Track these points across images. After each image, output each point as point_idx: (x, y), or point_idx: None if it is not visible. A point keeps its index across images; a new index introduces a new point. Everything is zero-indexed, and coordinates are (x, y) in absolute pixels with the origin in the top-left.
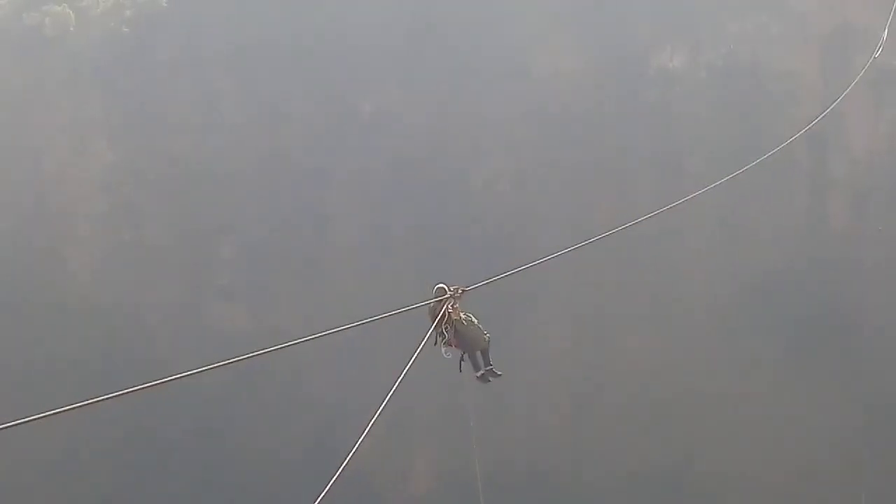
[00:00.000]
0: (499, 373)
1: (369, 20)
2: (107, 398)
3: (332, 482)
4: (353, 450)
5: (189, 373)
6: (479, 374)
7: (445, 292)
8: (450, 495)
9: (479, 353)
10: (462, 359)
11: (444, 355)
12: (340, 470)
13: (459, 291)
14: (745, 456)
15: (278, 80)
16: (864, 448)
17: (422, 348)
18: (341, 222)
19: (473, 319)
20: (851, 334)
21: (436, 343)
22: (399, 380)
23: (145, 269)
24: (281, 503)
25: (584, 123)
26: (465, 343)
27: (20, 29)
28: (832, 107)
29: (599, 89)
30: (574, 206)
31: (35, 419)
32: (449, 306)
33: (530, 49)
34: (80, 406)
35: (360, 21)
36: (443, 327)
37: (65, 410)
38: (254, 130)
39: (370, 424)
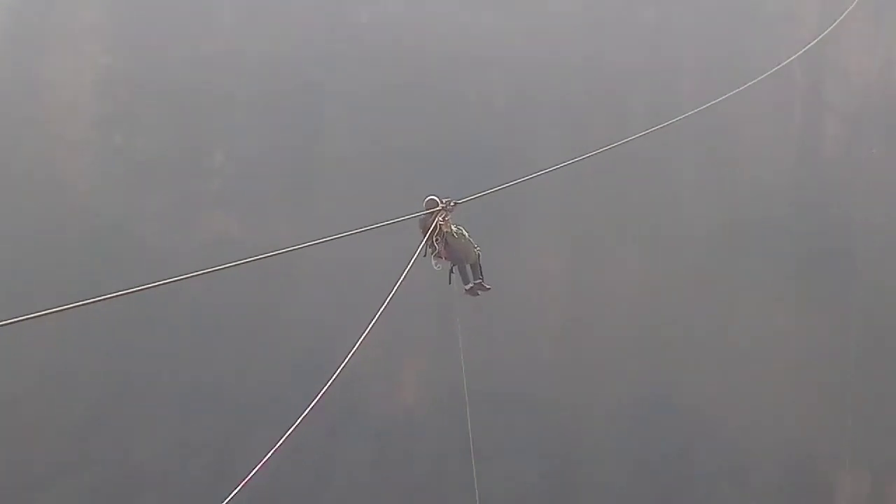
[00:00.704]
0: (488, 286)
1: None
2: (97, 300)
3: (322, 391)
4: (346, 360)
5: (179, 278)
6: (468, 286)
7: (437, 204)
8: (438, 409)
9: (468, 267)
10: (452, 271)
11: (434, 267)
12: (332, 380)
13: (451, 204)
14: (737, 379)
15: None
16: (854, 372)
17: (414, 261)
18: (336, 133)
19: (464, 232)
20: (845, 258)
21: (425, 255)
22: (392, 292)
23: (137, 175)
24: (271, 413)
25: (580, 41)
26: (456, 256)
27: None
28: (829, 29)
29: (595, 7)
30: (568, 124)
31: (22, 320)
32: (440, 218)
33: None
34: (69, 308)
35: None
36: (433, 240)
37: (54, 312)
38: (250, 39)
39: (363, 336)
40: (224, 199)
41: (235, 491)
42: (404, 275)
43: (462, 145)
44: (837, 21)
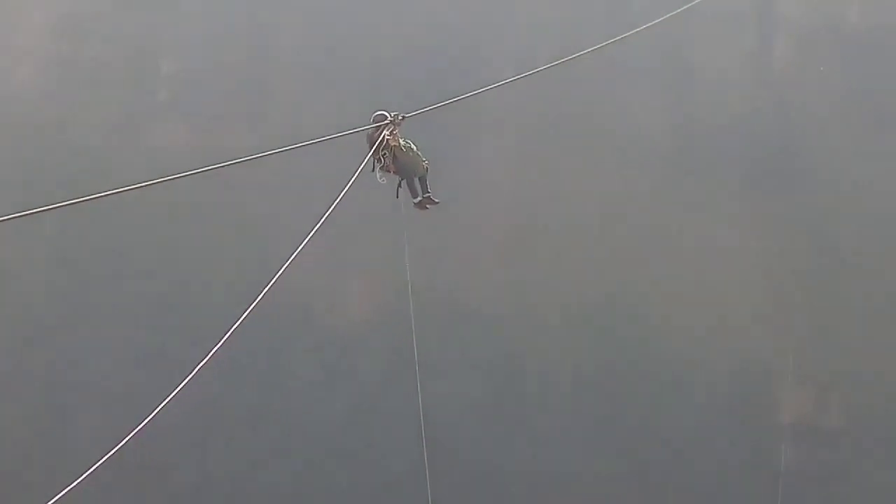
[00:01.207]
0: (437, 200)
1: None
2: (45, 209)
3: (256, 301)
4: (283, 268)
5: (127, 188)
6: (416, 200)
7: (385, 118)
8: (384, 323)
9: (416, 181)
10: (399, 185)
11: (380, 181)
12: (267, 288)
13: (400, 118)
14: (685, 290)
15: None
16: (801, 286)
17: (359, 173)
18: (287, 43)
19: (412, 146)
20: (796, 175)
21: (373, 169)
22: (335, 203)
23: (85, 84)
24: (214, 325)
25: None
26: (404, 169)
27: None
28: None
29: None
30: (519, 36)
31: None
32: (387, 132)
33: None
34: (16, 216)
35: None
36: (381, 153)
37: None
38: None
39: (302, 244)
40: (172, 108)
41: (165, 402)
42: (347, 187)
43: (414, 58)
44: None
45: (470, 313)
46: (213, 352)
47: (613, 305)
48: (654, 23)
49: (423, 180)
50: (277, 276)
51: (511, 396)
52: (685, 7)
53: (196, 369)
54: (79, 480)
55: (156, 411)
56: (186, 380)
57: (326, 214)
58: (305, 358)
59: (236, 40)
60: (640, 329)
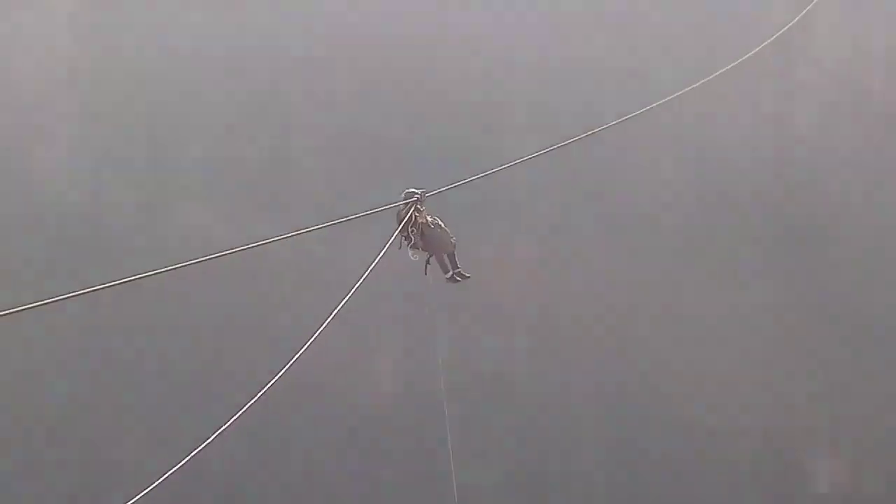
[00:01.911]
0: (467, 275)
1: None
2: (73, 295)
3: (280, 373)
4: (307, 344)
5: (156, 272)
6: (448, 275)
7: (414, 195)
8: (414, 400)
9: (445, 256)
10: (427, 262)
11: (412, 258)
12: (291, 362)
13: (425, 195)
14: (711, 362)
15: None
16: (829, 354)
17: (385, 251)
18: (310, 124)
19: (440, 223)
20: (818, 240)
21: (400, 247)
22: (361, 279)
23: (111, 169)
24: (242, 399)
25: (548, 31)
26: (432, 245)
27: None
28: (801, 14)
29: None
30: (540, 114)
31: None
32: (415, 210)
33: None
34: (47, 303)
35: None
36: (409, 230)
37: (22, 310)
38: (217, 29)
39: (326, 322)
40: (196, 193)
41: (176, 467)
42: (374, 263)
43: (434, 138)
44: (808, 7)
45: (500, 389)
46: (229, 422)
47: (641, 377)
48: (674, 95)
49: (451, 256)
50: (301, 351)
51: (540, 473)
52: (705, 80)
53: (209, 439)
54: None
55: (170, 470)
56: (202, 446)
57: (353, 290)
58: (336, 438)
59: (258, 124)
60: (669, 401)
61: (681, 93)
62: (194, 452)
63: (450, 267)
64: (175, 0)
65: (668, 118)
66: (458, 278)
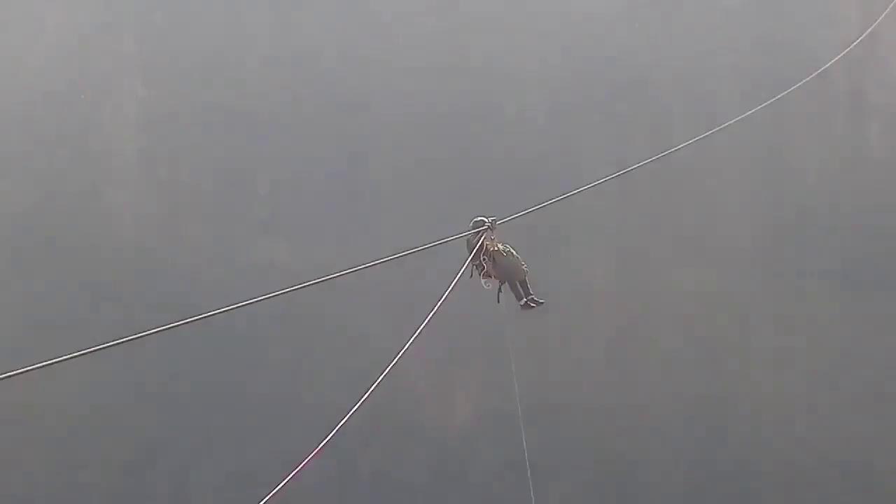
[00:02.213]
0: (541, 300)
1: None
2: (145, 335)
3: (360, 402)
4: (381, 377)
5: (229, 307)
6: (521, 302)
7: (483, 224)
8: (491, 427)
9: (518, 284)
10: (500, 290)
11: (484, 286)
12: (370, 391)
13: (496, 223)
14: (791, 391)
15: (313, 15)
16: None
17: (458, 279)
18: (378, 156)
19: (512, 250)
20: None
21: (471, 275)
22: (435, 308)
23: (182, 207)
24: (318, 431)
25: (617, 54)
26: (504, 273)
27: None
28: (869, 30)
29: (632, 19)
30: (611, 136)
31: (73, 357)
32: (487, 238)
33: None
34: (121, 342)
35: None
36: (481, 258)
37: (103, 348)
38: (288, 63)
39: (401, 353)
40: (270, 225)
41: (269, 496)
42: (448, 292)
43: (506, 161)
44: (877, 21)
45: (577, 412)
46: (315, 451)
47: (721, 402)
48: (742, 116)
49: (523, 283)
50: (378, 381)
51: (618, 495)
52: (773, 99)
53: (301, 465)
54: None
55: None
56: (289, 477)
57: (427, 319)
58: (415, 464)
59: (325, 155)
60: (750, 426)
61: (750, 113)
62: (281, 484)
63: (522, 294)
64: (240, 34)
65: (740, 136)
66: (532, 304)
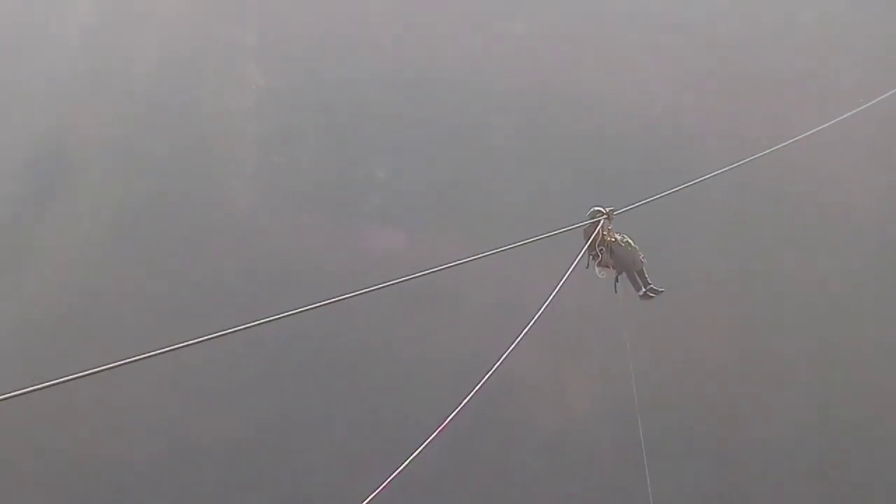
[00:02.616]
0: (661, 289)
1: None
2: (265, 322)
3: (473, 392)
4: (497, 364)
5: (347, 296)
6: (640, 292)
7: (600, 213)
8: (607, 418)
9: (635, 274)
10: (616, 280)
11: (598, 275)
12: (482, 382)
13: (613, 213)
14: None
15: (431, 3)
16: None
17: (574, 267)
18: (494, 143)
19: (629, 240)
20: None
21: (587, 266)
22: (550, 297)
23: (300, 194)
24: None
25: (738, 42)
26: (621, 263)
27: None
28: None
29: (757, 12)
30: (729, 128)
31: (194, 343)
32: (602, 228)
33: None
34: (237, 330)
35: None
36: (597, 248)
37: (224, 334)
38: (407, 51)
39: (517, 340)
40: (386, 213)
41: (379, 489)
42: (563, 281)
43: (624, 152)
44: None
45: (694, 401)
46: (425, 444)
47: (840, 398)
48: (866, 105)
49: (640, 273)
50: (495, 368)
51: (734, 485)
52: (893, 91)
53: (412, 457)
54: None
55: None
56: (400, 469)
57: (543, 307)
58: (531, 455)
59: (442, 142)
60: (869, 423)
61: (873, 102)
62: (399, 468)
63: (641, 284)
64: (361, 24)
65: (860, 127)
66: (652, 294)
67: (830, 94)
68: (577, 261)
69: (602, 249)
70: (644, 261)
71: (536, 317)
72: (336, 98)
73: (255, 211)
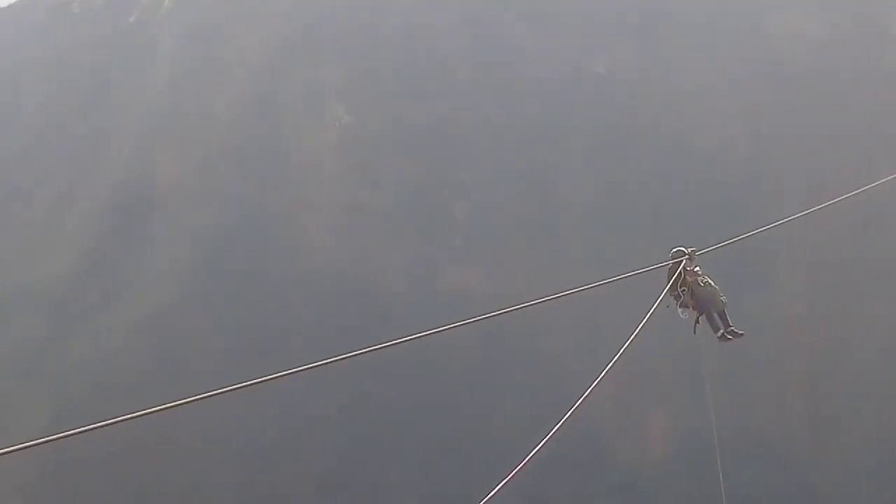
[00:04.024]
0: (741, 332)
1: None
2: (340, 359)
3: (551, 434)
4: (578, 403)
5: (424, 333)
6: (719, 333)
7: (682, 254)
8: (686, 459)
9: (716, 315)
10: (697, 321)
11: (681, 316)
12: (561, 423)
13: (695, 254)
14: None
15: (511, 42)
16: None
17: (656, 308)
18: (573, 183)
19: (710, 281)
20: None
21: (668, 305)
22: (631, 338)
23: (380, 231)
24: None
25: (821, 87)
26: (702, 304)
27: None
28: None
29: (837, 53)
30: (809, 169)
31: (269, 379)
32: (685, 269)
33: (767, 11)
34: (316, 366)
35: None
36: (679, 289)
37: (301, 370)
38: (486, 93)
39: (597, 380)
40: (466, 250)
41: None
42: (645, 320)
43: (703, 193)
44: None
45: (774, 443)
46: (504, 481)
47: None
48: None
49: (722, 315)
50: (575, 407)
51: None
52: None
53: (490, 495)
54: None
55: None
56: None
57: (625, 346)
58: (608, 495)
59: (521, 182)
60: None
61: None
62: None
63: (721, 325)
64: (440, 64)
65: None
66: (731, 336)
67: None
68: (659, 300)
69: (684, 290)
70: (726, 302)
71: (617, 356)
72: (417, 138)
73: (336, 248)
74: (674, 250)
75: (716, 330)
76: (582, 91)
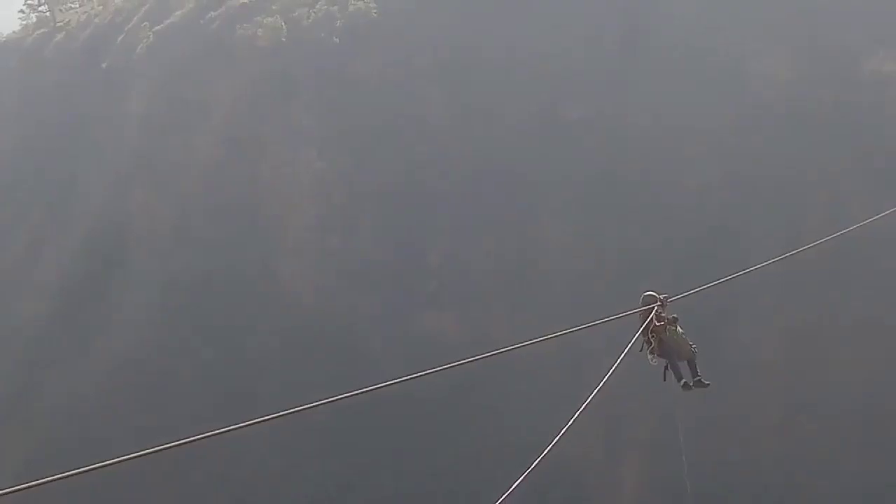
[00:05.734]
0: (706, 383)
1: (578, 29)
2: (316, 405)
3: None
4: (549, 447)
5: (398, 380)
6: (681, 383)
7: (654, 300)
8: (659, 500)
9: (685, 363)
10: (666, 368)
11: (651, 363)
12: (533, 466)
13: (667, 300)
14: None
15: (486, 88)
16: None
17: (627, 352)
18: (548, 229)
19: (680, 330)
20: None
21: (641, 350)
22: (600, 385)
23: (354, 277)
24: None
25: (795, 131)
26: (669, 353)
27: (233, 40)
28: None
29: (811, 97)
30: (783, 215)
31: (242, 427)
32: (655, 315)
33: (743, 57)
34: (290, 413)
35: (569, 29)
36: (649, 335)
37: (274, 417)
38: (461, 139)
39: (568, 424)
40: (440, 296)
41: None
42: (615, 366)
43: (680, 237)
44: None
45: (744, 492)
46: None
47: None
48: None
49: (691, 364)
50: (545, 452)
51: None
52: None
53: None
54: None
55: None
56: None
57: (595, 391)
58: None
59: (496, 228)
60: None
61: None
62: None
63: (684, 375)
64: (415, 109)
65: None
66: (694, 387)
67: (890, 183)
68: (629, 346)
69: (653, 336)
70: (696, 351)
71: (588, 401)
72: (392, 184)
73: (309, 293)
74: (645, 294)
75: (678, 379)
76: (558, 137)
